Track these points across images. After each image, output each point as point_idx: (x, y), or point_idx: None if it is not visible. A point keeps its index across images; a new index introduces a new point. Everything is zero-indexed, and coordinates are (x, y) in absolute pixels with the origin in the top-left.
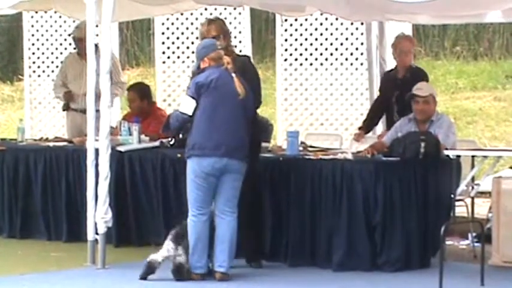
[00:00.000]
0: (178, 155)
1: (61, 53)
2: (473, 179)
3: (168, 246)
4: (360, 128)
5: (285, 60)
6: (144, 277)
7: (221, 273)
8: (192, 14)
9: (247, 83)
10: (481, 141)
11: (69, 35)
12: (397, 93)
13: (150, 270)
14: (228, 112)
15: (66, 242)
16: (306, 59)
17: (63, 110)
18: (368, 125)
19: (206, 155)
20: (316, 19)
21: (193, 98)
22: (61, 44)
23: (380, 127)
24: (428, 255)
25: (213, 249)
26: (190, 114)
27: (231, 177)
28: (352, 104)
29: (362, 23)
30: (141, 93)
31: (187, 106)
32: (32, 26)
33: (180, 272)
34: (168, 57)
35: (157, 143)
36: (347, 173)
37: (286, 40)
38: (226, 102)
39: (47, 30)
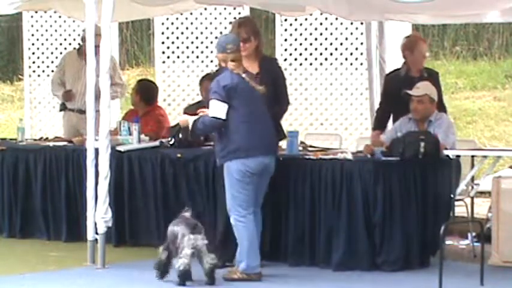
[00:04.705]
0: (178, 155)
1: (61, 53)
2: (472, 178)
3: (188, 242)
4: (373, 129)
5: (285, 60)
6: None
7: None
8: (191, 13)
9: (275, 84)
10: (481, 141)
11: (83, 39)
12: None
13: (186, 276)
14: (258, 110)
15: (65, 241)
16: (306, 59)
17: (60, 111)
18: (379, 124)
19: (251, 156)
20: (316, 19)
21: (223, 101)
22: (61, 44)
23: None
24: (428, 255)
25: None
26: (224, 117)
27: (268, 173)
28: (352, 104)
29: (362, 23)
30: (137, 86)
31: (219, 110)
32: (32, 26)
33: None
34: (168, 57)
35: (157, 143)
36: (347, 173)
37: (285, 40)
38: (254, 101)
39: (46, 30)
